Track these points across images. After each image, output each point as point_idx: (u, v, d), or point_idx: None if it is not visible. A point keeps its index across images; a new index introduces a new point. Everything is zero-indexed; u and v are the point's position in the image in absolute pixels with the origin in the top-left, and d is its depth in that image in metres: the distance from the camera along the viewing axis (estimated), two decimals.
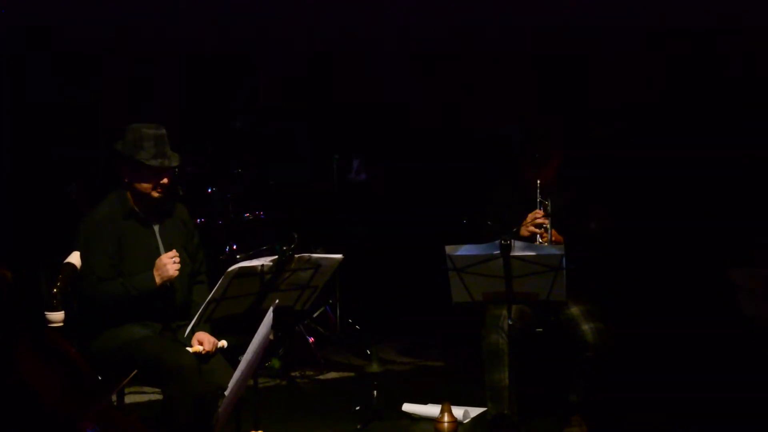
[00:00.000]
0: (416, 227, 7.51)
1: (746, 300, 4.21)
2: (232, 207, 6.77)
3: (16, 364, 3.03)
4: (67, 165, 6.91)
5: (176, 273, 4.26)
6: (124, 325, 4.30)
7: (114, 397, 3.98)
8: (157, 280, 4.26)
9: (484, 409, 5.02)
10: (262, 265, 3.97)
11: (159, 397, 4.28)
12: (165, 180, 4.35)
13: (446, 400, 5.06)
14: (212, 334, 4.36)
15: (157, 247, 4.41)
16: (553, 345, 4.99)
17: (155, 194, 4.36)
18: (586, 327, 4.76)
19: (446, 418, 5.00)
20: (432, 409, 5.26)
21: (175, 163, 4.37)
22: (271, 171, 7.36)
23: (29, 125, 7.14)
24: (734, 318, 4.57)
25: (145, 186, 4.34)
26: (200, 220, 6.58)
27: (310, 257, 4.09)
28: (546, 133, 5.05)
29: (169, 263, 4.25)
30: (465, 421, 5.24)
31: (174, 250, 4.31)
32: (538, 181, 4.86)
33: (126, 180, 4.38)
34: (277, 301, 3.96)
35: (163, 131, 4.36)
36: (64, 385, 3.11)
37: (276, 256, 3.99)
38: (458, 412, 5.14)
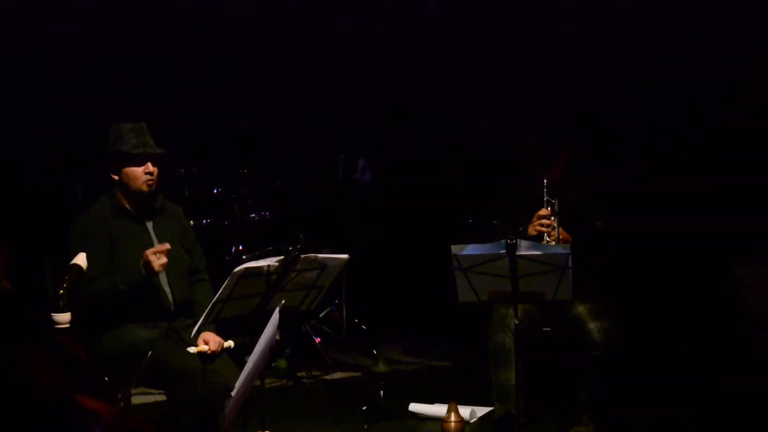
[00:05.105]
0: (422, 226, 7.51)
1: (752, 298, 4.19)
2: (237, 207, 6.77)
3: (27, 367, 3.03)
4: (73, 166, 6.93)
5: (161, 269, 4.22)
6: (128, 327, 4.31)
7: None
8: (144, 271, 4.24)
9: (491, 408, 5.03)
10: (268, 266, 3.97)
11: (165, 398, 4.28)
12: (151, 168, 4.38)
13: (453, 399, 5.06)
14: (218, 334, 4.36)
15: (152, 244, 4.39)
16: (560, 344, 4.99)
17: (145, 187, 4.38)
18: (592, 326, 4.77)
19: (453, 417, 5.00)
20: (439, 409, 5.26)
21: (158, 151, 4.40)
22: (277, 171, 7.37)
23: (33, 126, 7.16)
24: (738, 317, 4.57)
25: (134, 179, 4.36)
26: (206, 221, 6.58)
27: (316, 257, 4.09)
28: (553, 133, 5.06)
29: (154, 258, 4.20)
30: (472, 421, 5.24)
31: (161, 245, 4.25)
32: (545, 181, 4.86)
33: (116, 179, 4.41)
34: (283, 301, 3.96)
35: (143, 124, 4.43)
36: (76, 387, 3.11)
37: (282, 257, 3.99)
38: (465, 411, 5.14)
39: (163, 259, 4.22)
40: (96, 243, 4.29)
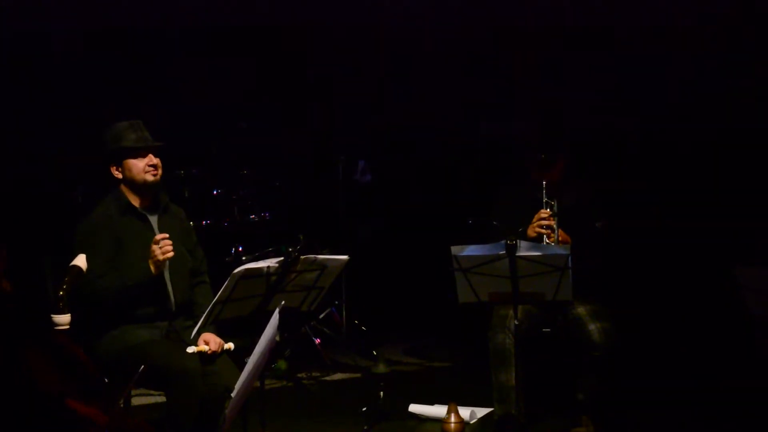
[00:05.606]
0: (422, 227, 7.51)
1: (753, 300, 4.20)
2: (237, 208, 6.77)
3: (27, 368, 3.03)
4: (74, 166, 6.93)
5: (164, 256, 4.23)
6: (128, 327, 4.31)
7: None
8: (152, 268, 4.26)
9: (491, 409, 5.02)
10: (268, 267, 3.97)
11: (165, 399, 4.28)
12: (154, 160, 4.40)
13: (453, 400, 5.06)
14: (218, 335, 4.36)
15: None
16: (560, 345, 4.99)
17: (150, 178, 4.40)
18: (592, 327, 4.76)
19: (453, 418, 5.00)
20: (439, 410, 5.25)
21: (157, 143, 4.44)
22: (277, 172, 7.37)
23: (33, 128, 7.16)
24: (738, 318, 4.57)
25: (137, 172, 4.38)
26: (206, 222, 6.58)
27: (316, 258, 4.09)
28: (552, 134, 5.06)
29: (155, 247, 4.23)
30: (472, 422, 5.24)
31: (163, 234, 4.29)
32: (544, 182, 4.86)
33: (119, 176, 4.43)
34: (283, 302, 3.96)
35: (139, 121, 4.47)
36: (76, 388, 3.11)
37: (282, 258, 3.99)
38: (465, 412, 5.14)
39: (167, 248, 4.23)
40: (101, 243, 4.30)
